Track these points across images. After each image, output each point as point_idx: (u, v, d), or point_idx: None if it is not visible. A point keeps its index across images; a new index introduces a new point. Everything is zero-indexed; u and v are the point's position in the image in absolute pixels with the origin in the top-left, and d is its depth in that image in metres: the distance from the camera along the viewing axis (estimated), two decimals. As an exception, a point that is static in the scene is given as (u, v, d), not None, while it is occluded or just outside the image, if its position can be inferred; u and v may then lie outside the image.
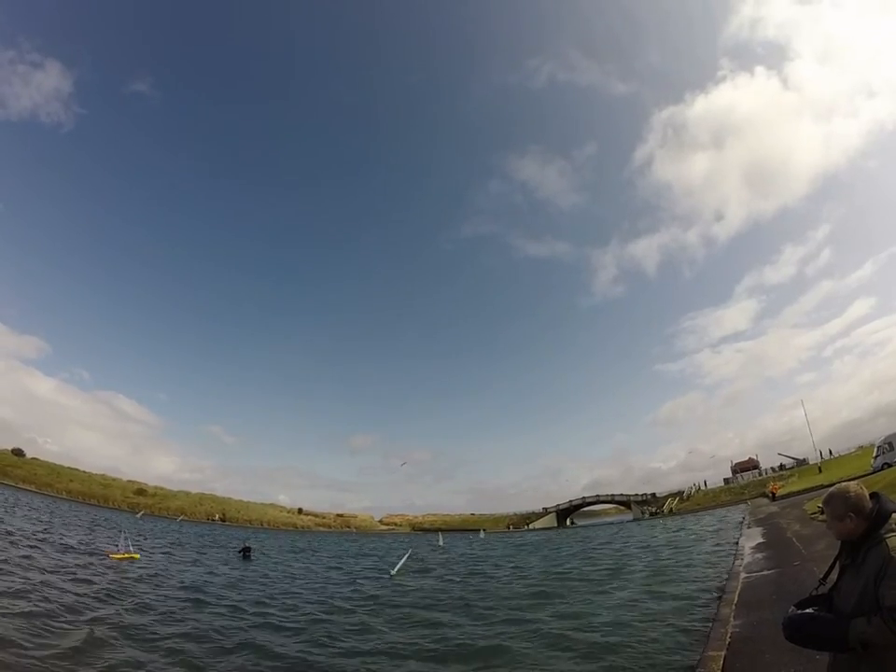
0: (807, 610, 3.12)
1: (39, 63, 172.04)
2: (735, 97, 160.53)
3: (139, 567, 21.86)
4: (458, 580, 22.25)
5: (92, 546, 26.56)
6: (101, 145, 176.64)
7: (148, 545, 31.89)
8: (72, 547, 24.87)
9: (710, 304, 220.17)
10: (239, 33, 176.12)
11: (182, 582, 19.42)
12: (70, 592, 14.41)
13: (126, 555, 24.25)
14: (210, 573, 23.32)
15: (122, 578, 18.59)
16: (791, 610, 3.18)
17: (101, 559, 22.55)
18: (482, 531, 73.71)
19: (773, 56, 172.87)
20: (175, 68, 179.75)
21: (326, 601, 17.14)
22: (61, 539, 27.07)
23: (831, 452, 72.54)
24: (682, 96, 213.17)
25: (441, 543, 53.47)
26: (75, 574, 17.53)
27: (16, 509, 39.85)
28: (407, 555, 27.27)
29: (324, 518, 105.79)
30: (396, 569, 24.17)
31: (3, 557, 17.47)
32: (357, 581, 22.59)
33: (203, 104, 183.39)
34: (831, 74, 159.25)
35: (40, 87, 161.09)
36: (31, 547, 21.69)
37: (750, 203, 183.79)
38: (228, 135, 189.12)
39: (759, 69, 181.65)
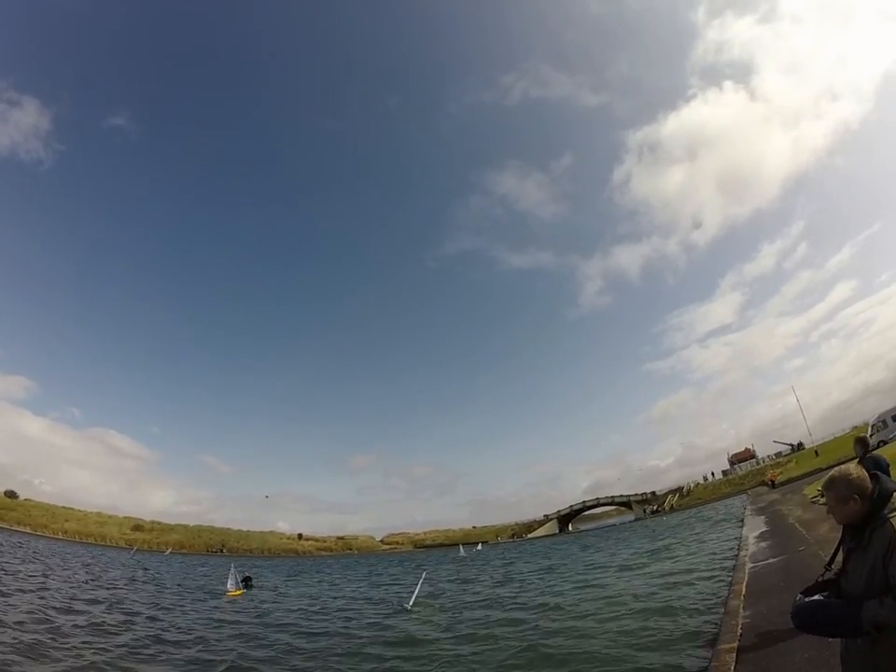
0: (816, 597, 3.02)
1: (16, 100, 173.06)
2: (706, 112, 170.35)
3: (264, 602, 24.02)
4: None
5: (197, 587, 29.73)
6: (82, 180, 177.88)
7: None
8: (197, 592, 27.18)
9: (695, 300, 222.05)
10: (214, 62, 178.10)
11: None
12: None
13: (238, 591, 26.66)
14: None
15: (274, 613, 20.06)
16: (798, 598, 3.08)
17: (221, 598, 24.81)
18: (478, 545, 73.40)
19: (739, 72, 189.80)
20: (152, 101, 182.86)
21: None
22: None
23: (807, 441, 73.26)
24: (655, 116, 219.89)
25: (462, 554, 56.11)
26: (234, 618, 18.46)
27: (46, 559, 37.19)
28: (421, 581, 21.32)
29: (325, 542, 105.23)
30: (412, 601, 18.72)
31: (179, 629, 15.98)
32: (369, 620, 16.93)
33: (182, 134, 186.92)
34: (795, 82, 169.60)
35: (18, 125, 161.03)
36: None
37: (726, 208, 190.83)
38: (208, 163, 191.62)
39: (727, 84, 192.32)
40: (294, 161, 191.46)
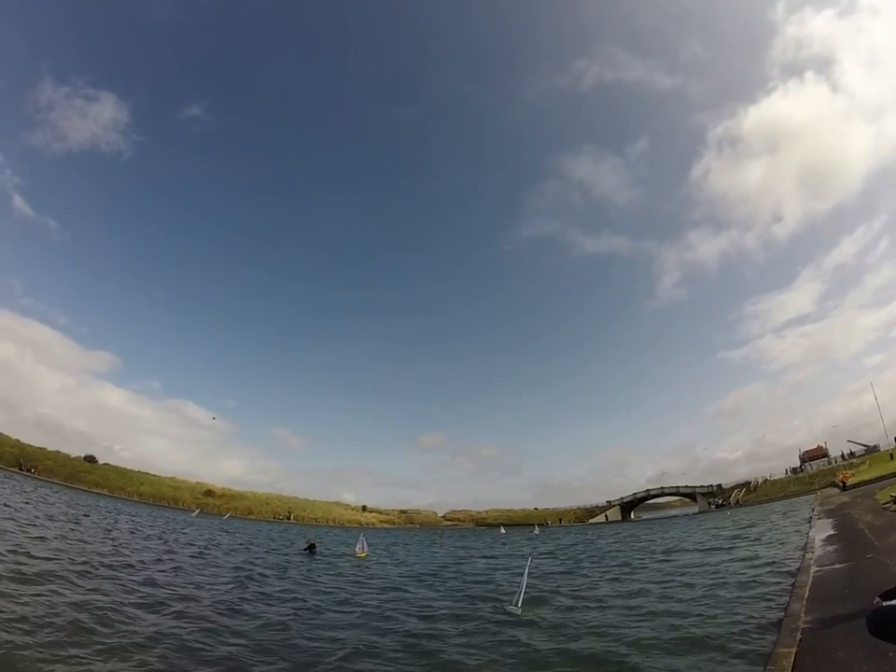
0: (894, 602, 2.90)
1: (94, 96, 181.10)
2: (787, 105, 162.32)
3: (389, 562, 30.22)
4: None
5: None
6: (161, 169, 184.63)
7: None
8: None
9: (773, 288, 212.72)
10: (288, 53, 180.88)
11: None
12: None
13: (363, 554, 32.47)
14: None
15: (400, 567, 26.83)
16: (875, 602, 2.97)
17: (354, 558, 31.00)
18: (535, 526, 74.57)
19: (820, 65, 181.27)
20: (226, 91, 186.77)
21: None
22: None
23: (883, 443, 69.59)
24: (735, 109, 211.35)
25: (536, 532, 62.22)
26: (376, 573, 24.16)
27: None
28: (527, 571, 15.50)
29: (388, 515, 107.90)
30: (519, 602, 13.78)
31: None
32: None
33: (258, 123, 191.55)
34: (877, 75, 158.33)
35: (97, 119, 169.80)
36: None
37: (807, 202, 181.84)
38: (284, 153, 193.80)
39: (808, 75, 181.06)
40: (371, 149, 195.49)
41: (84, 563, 16.25)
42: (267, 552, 31.40)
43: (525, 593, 14.23)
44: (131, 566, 17.63)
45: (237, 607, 13.60)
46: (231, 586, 16.62)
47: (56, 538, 21.19)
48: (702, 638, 10.07)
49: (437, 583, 20.51)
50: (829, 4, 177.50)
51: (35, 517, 27.23)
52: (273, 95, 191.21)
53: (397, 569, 26.06)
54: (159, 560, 20.32)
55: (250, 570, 20.88)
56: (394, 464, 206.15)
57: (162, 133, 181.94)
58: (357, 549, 33.13)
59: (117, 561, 17.94)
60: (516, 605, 13.67)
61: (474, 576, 22.66)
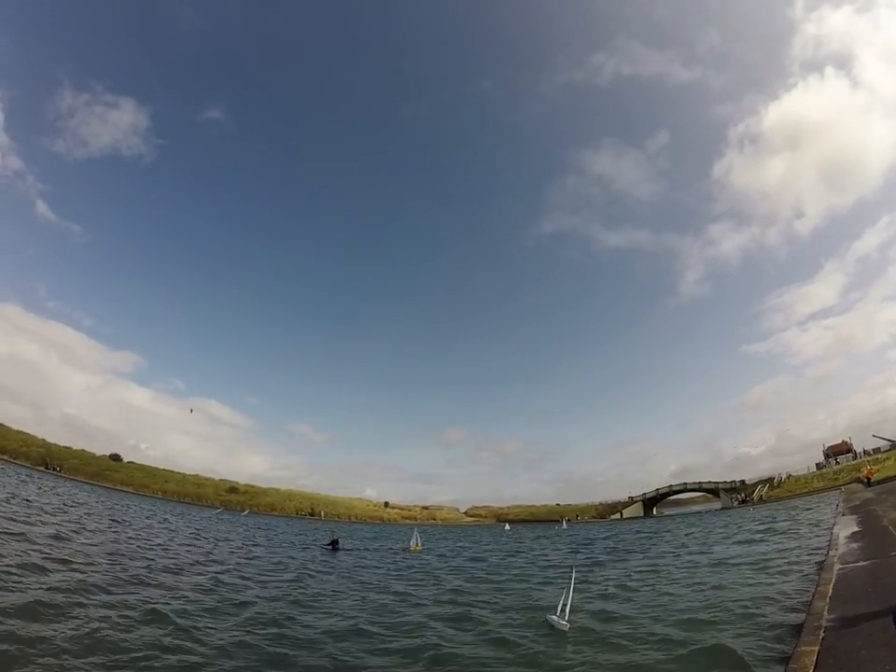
0: None
1: (114, 102, 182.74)
2: (807, 101, 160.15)
3: (438, 556, 32.42)
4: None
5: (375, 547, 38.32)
6: (182, 171, 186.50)
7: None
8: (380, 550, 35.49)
9: (796, 280, 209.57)
10: (305, 53, 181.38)
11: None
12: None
13: (418, 548, 34.90)
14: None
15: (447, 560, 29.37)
16: None
17: (406, 552, 33.86)
18: (562, 521, 75.39)
19: (840, 61, 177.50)
20: (245, 92, 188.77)
21: None
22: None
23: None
24: (756, 106, 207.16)
25: (564, 526, 66.08)
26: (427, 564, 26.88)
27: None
28: (572, 582, 13.26)
29: (410, 511, 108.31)
30: (566, 614, 11.75)
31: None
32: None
33: (278, 124, 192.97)
34: None
35: (118, 124, 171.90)
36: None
37: (828, 198, 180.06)
38: (303, 153, 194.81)
39: (828, 70, 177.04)
40: (389, 147, 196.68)
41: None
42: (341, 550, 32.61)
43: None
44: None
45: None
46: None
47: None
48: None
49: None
50: (847, 0, 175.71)
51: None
52: (291, 96, 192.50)
53: (457, 561, 28.86)
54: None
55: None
56: (416, 459, 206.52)
57: (182, 135, 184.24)
58: (411, 543, 35.73)
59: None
60: (560, 616, 11.77)
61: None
